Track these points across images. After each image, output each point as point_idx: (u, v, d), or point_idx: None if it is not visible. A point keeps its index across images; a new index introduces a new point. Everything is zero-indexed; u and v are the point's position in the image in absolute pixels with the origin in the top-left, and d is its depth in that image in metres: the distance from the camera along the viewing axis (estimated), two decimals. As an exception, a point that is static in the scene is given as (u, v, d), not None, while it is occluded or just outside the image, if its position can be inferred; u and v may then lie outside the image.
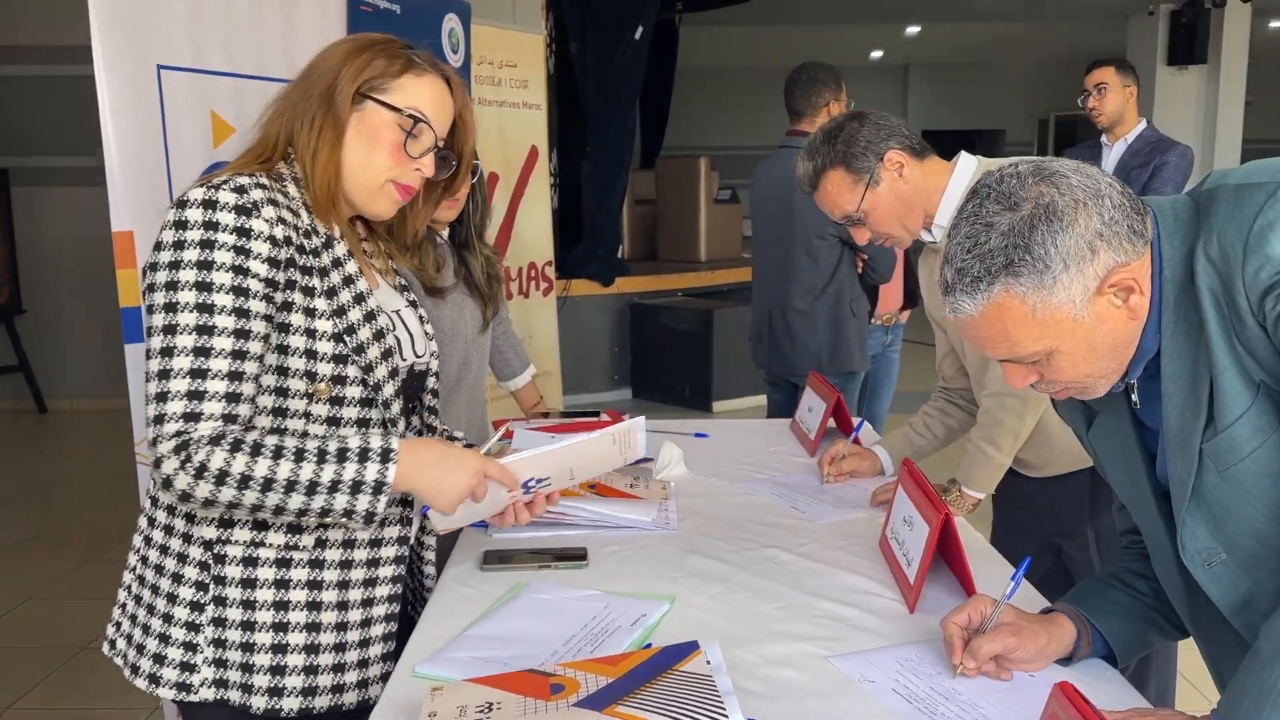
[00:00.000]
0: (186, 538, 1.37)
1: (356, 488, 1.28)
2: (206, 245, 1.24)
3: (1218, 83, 11.11)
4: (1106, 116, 4.10)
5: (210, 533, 1.36)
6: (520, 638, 1.44)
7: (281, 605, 1.38)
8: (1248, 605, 1.14)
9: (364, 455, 1.29)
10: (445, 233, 2.35)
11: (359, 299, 1.39)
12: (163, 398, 1.23)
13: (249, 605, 1.36)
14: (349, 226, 1.46)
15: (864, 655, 1.38)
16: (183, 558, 1.37)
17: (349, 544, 1.43)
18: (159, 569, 1.39)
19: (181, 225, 1.26)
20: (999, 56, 15.35)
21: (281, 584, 1.38)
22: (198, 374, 1.23)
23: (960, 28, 13.13)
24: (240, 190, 1.27)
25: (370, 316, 1.40)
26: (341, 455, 1.28)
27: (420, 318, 1.57)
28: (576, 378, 6.47)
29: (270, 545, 1.38)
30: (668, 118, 10.81)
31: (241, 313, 1.26)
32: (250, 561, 1.37)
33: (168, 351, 1.23)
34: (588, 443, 1.50)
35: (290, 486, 1.25)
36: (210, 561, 1.36)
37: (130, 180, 2.38)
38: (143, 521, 1.44)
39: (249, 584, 1.36)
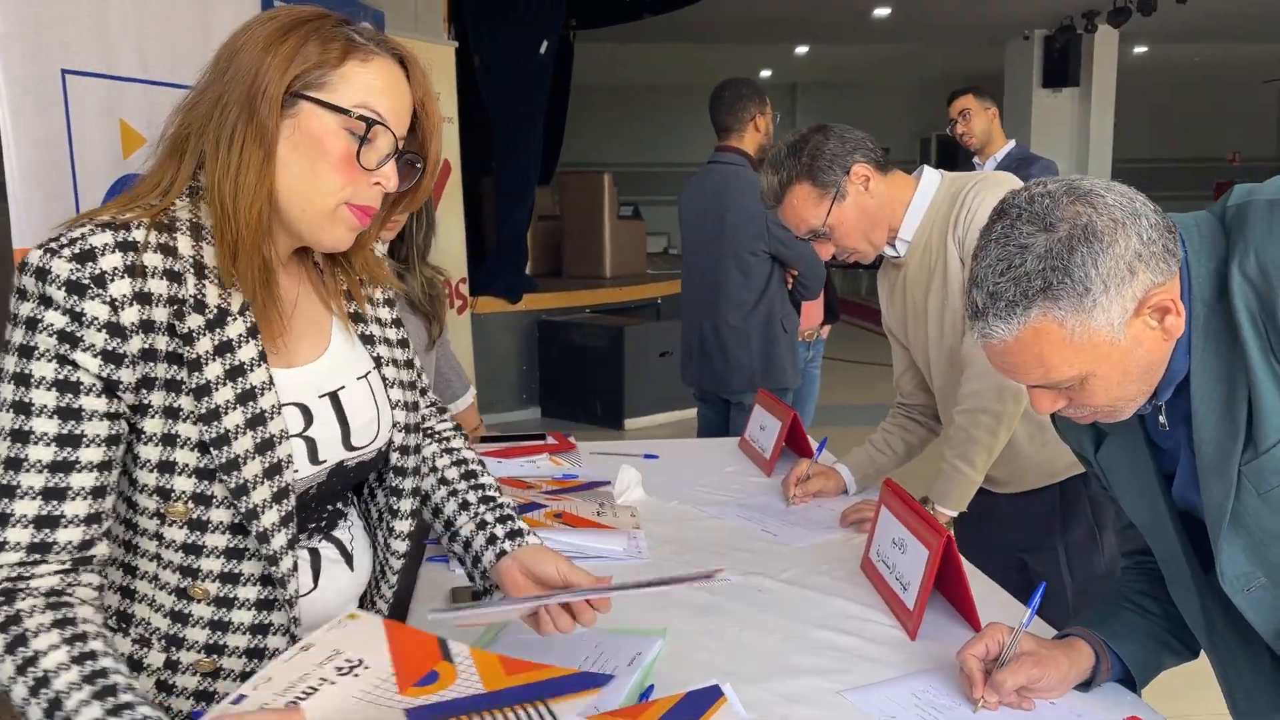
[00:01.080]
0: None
1: None
2: (31, 326, 0.98)
3: (1089, 104, 11.65)
4: (977, 138, 4.34)
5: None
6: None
7: None
8: (1291, 629, 1.13)
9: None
10: (383, 248, 2.22)
11: (246, 397, 1.07)
12: None
13: None
14: (295, 264, 1.19)
15: (878, 688, 1.33)
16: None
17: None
18: None
19: (20, 295, 0.99)
20: (884, 77, 15.80)
21: None
22: (3, 492, 0.97)
23: (847, 49, 13.47)
24: (84, 257, 0.98)
25: (258, 421, 1.08)
26: (98, 695, 0.92)
27: (384, 381, 1.25)
28: (483, 397, 6.31)
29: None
30: (563, 134, 10.74)
31: (67, 414, 0.99)
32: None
33: None
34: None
35: (38, 686, 0.93)
36: None
37: (33, 194, 2.18)
38: None
39: None
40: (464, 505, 1.36)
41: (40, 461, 0.98)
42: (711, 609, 1.59)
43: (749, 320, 3.37)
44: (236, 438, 1.06)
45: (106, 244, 1.00)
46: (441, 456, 1.41)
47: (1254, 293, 1.05)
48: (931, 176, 1.98)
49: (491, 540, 1.32)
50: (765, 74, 15.39)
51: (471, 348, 5.25)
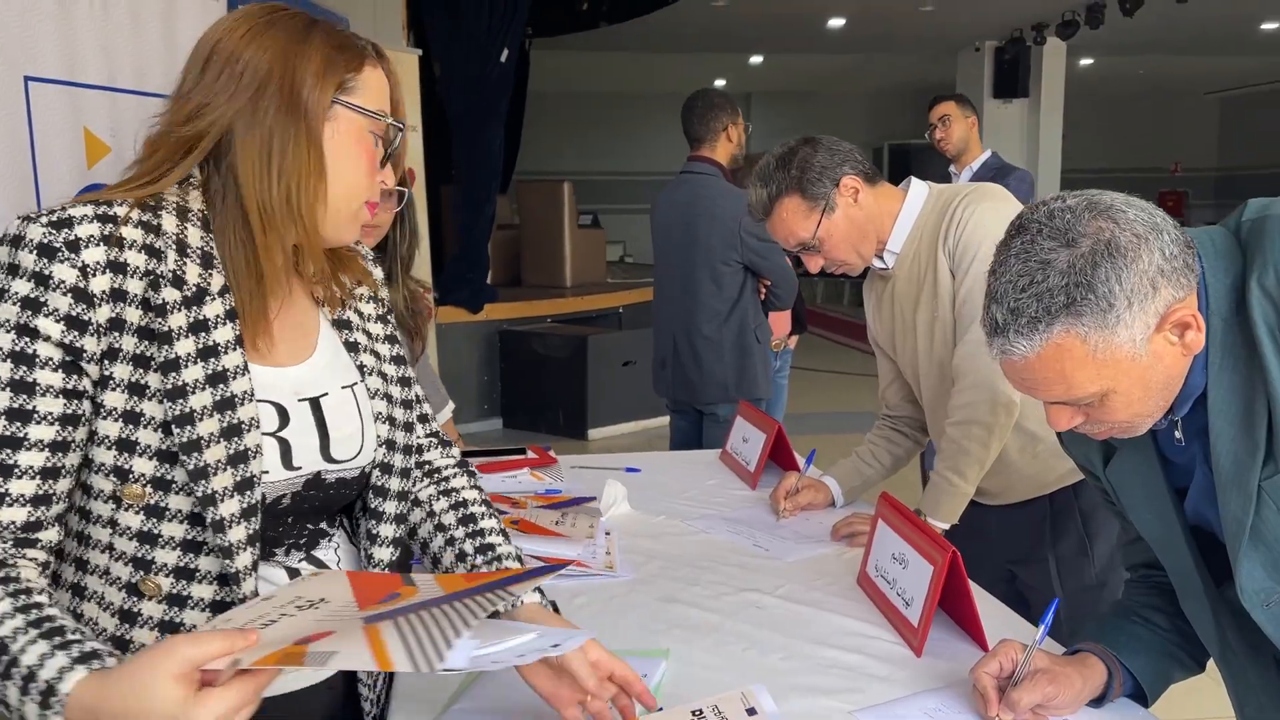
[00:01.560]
0: None
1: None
2: None
3: (1039, 114, 11.85)
4: (953, 146, 4.26)
5: None
6: (518, 710, 1.30)
7: None
8: (1310, 644, 1.13)
9: (27, 683, 0.86)
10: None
11: (217, 379, 1.03)
12: None
13: None
14: (290, 268, 1.16)
15: (889, 708, 1.31)
16: None
17: None
18: None
19: None
20: (837, 87, 15.95)
21: None
22: None
23: (801, 58, 13.57)
24: (60, 225, 0.97)
25: (226, 405, 1.03)
26: (8, 670, 0.87)
27: (368, 392, 1.20)
28: (445, 408, 6.24)
29: None
30: (520, 142, 10.69)
31: (20, 386, 0.96)
32: None
33: None
34: None
35: None
36: None
37: (-6, 204, 2.11)
38: None
39: None
40: (460, 556, 1.29)
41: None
42: (711, 628, 1.57)
43: (722, 330, 3.36)
44: (202, 419, 1.02)
45: (85, 215, 0.99)
46: (439, 499, 1.34)
47: (1273, 307, 1.05)
48: (919, 188, 1.98)
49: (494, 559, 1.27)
50: (720, 83, 15.44)
51: (437, 357, 5.19)
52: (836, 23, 11.05)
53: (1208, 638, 1.26)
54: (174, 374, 1.01)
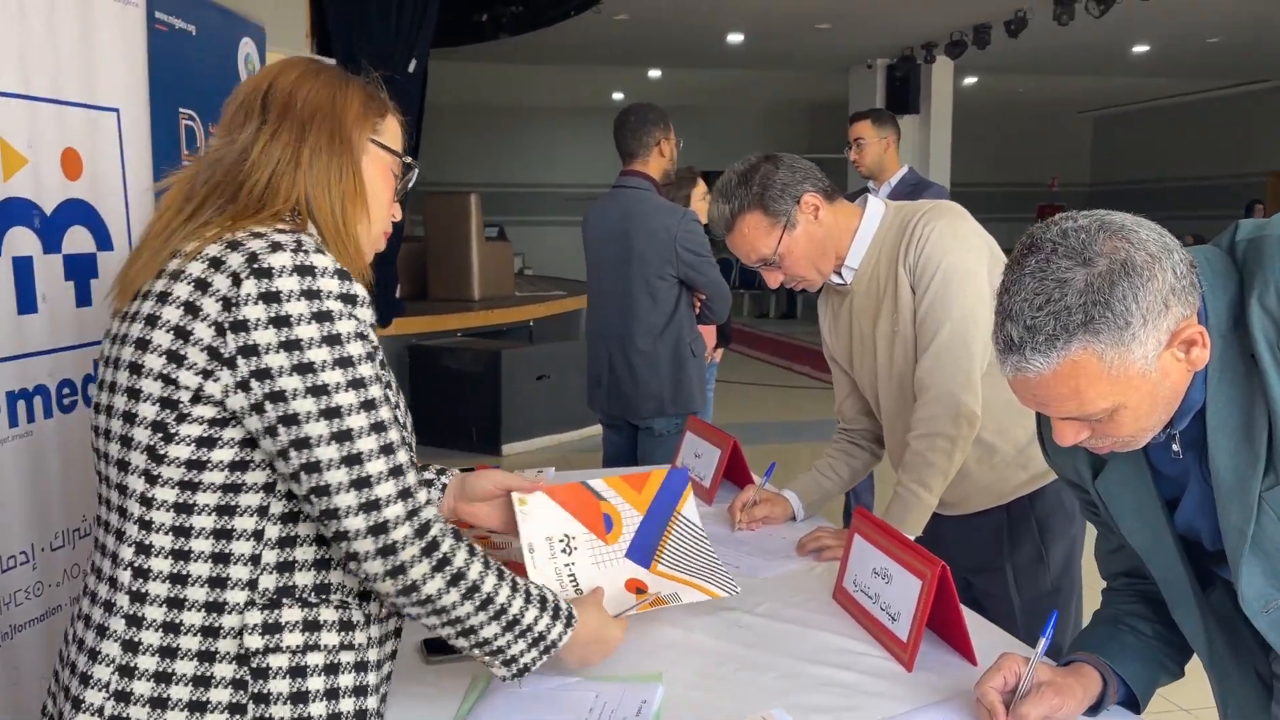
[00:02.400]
0: (207, 657, 1.13)
1: (538, 641, 1.25)
2: (323, 318, 1.11)
3: (929, 130, 12.22)
4: (866, 168, 4.23)
5: (255, 641, 1.14)
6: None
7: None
8: (1310, 648, 1.17)
9: (556, 611, 1.27)
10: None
11: (385, 368, 1.24)
12: (364, 484, 1.11)
13: None
14: None
15: (896, 724, 1.32)
16: (202, 681, 1.13)
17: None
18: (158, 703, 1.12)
19: (272, 299, 1.10)
20: (735, 101, 16.18)
21: (331, 694, 1.18)
22: (387, 451, 1.13)
23: (699, 73, 13.72)
24: (318, 250, 1.14)
25: (394, 392, 1.25)
26: (542, 602, 1.26)
27: None
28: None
29: (323, 648, 1.18)
30: (418, 153, 10.53)
31: (376, 380, 1.15)
32: (298, 672, 1.16)
33: (342, 436, 1.11)
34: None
35: (499, 614, 1.21)
36: (248, 678, 1.13)
37: (-96, 219, 1.97)
38: (118, 626, 1.12)
39: (299, 698, 1.16)
40: None
41: (392, 420, 1.15)
42: (699, 649, 1.55)
43: (658, 344, 3.35)
44: (399, 404, 1.24)
45: (310, 243, 1.14)
46: None
47: (1274, 325, 1.09)
48: (876, 206, 2.01)
49: (427, 484, 1.52)
50: (618, 96, 15.51)
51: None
52: (735, 38, 11.21)
53: (1196, 642, 1.30)
54: (387, 366, 1.21)
